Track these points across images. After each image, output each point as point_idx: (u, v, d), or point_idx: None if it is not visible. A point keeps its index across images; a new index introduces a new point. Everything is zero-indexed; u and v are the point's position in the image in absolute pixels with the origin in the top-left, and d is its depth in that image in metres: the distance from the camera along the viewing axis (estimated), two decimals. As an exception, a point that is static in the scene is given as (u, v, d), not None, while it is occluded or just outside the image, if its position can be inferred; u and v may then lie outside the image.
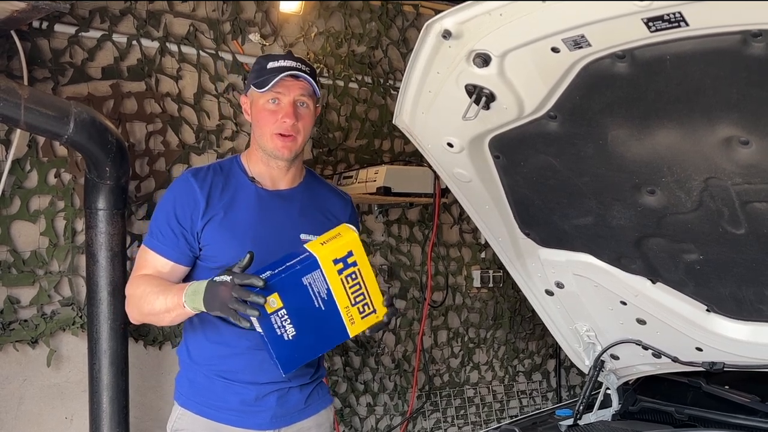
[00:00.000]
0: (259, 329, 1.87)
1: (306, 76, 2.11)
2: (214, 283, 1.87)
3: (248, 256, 1.86)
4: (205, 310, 1.90)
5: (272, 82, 2.08)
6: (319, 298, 1.91)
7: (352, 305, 1.95)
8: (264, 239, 2.12)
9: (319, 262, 1.89)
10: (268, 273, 1.87)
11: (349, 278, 1.93)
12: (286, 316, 1.87)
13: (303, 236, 2.14)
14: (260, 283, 1.80)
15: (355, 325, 1.97)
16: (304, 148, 2.23)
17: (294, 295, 1.87)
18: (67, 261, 3.37)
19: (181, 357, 2.25)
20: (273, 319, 1.86)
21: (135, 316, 2.14)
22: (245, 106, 2.23)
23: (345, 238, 1.94)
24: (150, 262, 2.13)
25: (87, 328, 3.26)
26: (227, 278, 1.84)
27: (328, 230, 2.07)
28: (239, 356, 2.13)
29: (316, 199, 2.28)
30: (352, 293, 1.94)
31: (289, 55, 2.17)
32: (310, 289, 1.89)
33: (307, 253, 1.90)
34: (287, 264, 1.89)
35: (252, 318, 1.84)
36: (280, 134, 2.12)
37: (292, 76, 2.10)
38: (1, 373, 3.24)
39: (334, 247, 1.92)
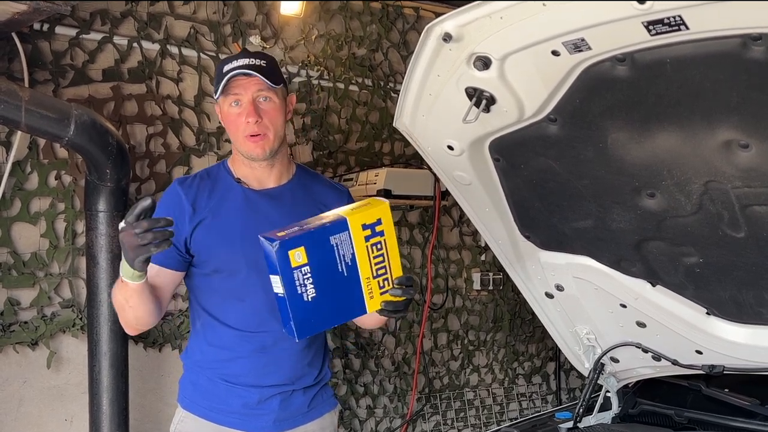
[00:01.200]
0: (280, 290, 1.81)
1: (254, 72, 2.03)
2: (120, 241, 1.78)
3: (149, 200, 1.72)
4: (132, 271, 1.81)
5: (222, 84, 2.04)
6: (343, 263, 1.85)
7: (374, 277, 1.90)
8: (252, 238, 2.08)
9: (349, 224, 1.84)
10: (295, 227, 1.83)
11: (374, 247, 1.88)
12: (309, 274, 1.81)
13: None
14: (148, 203, 1.69)
15: (374, 300, 1.91)
16: (284, 144, 2.18)
17: (320, 254, 1.82)
18: (68, 263, 3.37)
19: (184, 362, 2.25)
20: (296, 275, 1.80)
21: (122, 323, 2.09)
22: (219, 114, 2.18)
23: (375, 207, 1.90)
24: None
25: (87, 330, 3.27)
26: (122, 224, 1.74)
27: None
28: (242, 359, 2.13)
29: (309, 193, 2.24)
30: (375, 264, 1.89)
31: (243, 54, 2.11)
32: (336, 251, 1.84)
33: (335, 214, 1.87)
34: (318, 221, 1.86)
35: (275, 277, 1.79)
36: (250, 135, 2.07)
37: (243, 74, 2.04)
38: (1, 374, 3.24)
39: (364, 213, 1.87)
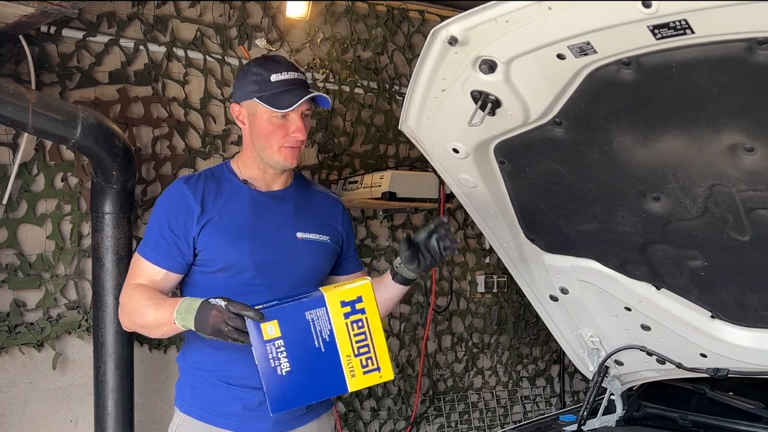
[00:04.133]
0: (256, 361, 1.84)
1: (314, 91, 2.09)
2: (208, 305, 1.85)
3: (258, 315, 1.82)
4: (191, 329, 1.89)
5: (295, 105, 2.04)
6: (320, 338, 1.86)
7: (355, 356, 1.89)
8: (260, 239, 2.12)
9: (326, 300, 1.87)
10: (274, 302, 1.86)
11: (354, 325, 1.89)
12: (282, 348, 1.83)
13: (299, 234, 2.17)
14: (253, 315, 1.79)
15: (356, 379, 1.90)
16: None
17: (294, 328, 1.84)
18: (74, 264, 3.38)
19: (180, 364, 2.25)
20: (268, 348, 1.82)
21: (127, 324, 2.14)
22: (239, 114, 2.16)
23: (358, 285, 1.91)
24: (143, 270, 2.12)
25: (93, 332, 3.28)
26: (222, 303, 1.83)
27: (322, 229, 2.18)
28: (242, 361, 2.11)
29: (307, 198, 2.27)
30: (357, 342, 1.89)
31: (286, 64, 2.14)
32: (312, 326, 1.86)
33: (317, 290, 1.90)
34: (296, 297, 1.89)
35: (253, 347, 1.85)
36: (290, 147, 2.11)
37: (300, 89, 2.07)
38: (6, 375, 3.25)
39: (343, 290, 1.90)
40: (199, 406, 2.16)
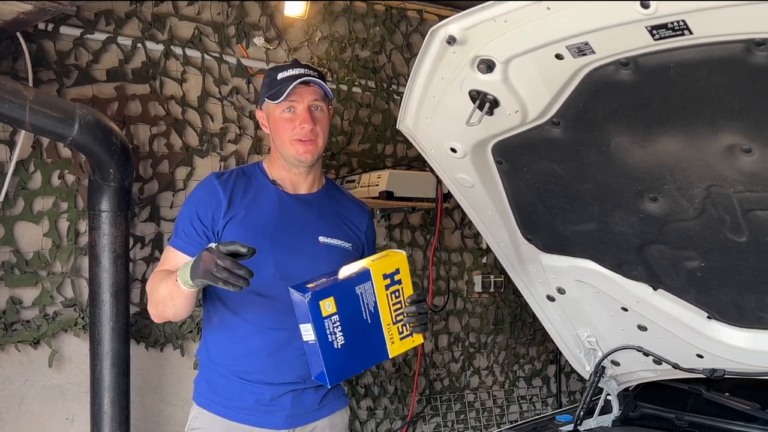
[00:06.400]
0: (312, 338, 1.92)
1: (317, 80, 2.16)
2: (201, 252, 1.88)
3: (248, 249, 1.83)
4: (191, 282, 1.90)
5: (286, 92, 2.12)
6: (367, 310, 1.98)
7: (393, 323, 2.02)
8: (282, 238, 2.16)
9: (372, 274, 1.98)
10: (322, 279, 1.94)
11: (393, 295, 2.01)
12: (338, 323, 1.93)
13: (321, 239, 2.21)
14: (245, 250, 1.82)
15: (395, 346, 2.04)
16: (323, 154, 2.27)
17: (347, 303, 1.94)
18: (70, 262, 3.38)
19: (201, 358, 2.28)
20: (326, 324, 1.91)
21: (152, 310, 2.16)
22: (262, 120, 2.27)
23: (394, 257, 2.03)
24: (171, 259, 2.16)
25: (89, 330, 3.28)
26: (213, 245, 1.85)
27: (345, 235, 2.23)
28: (257, 356, 2.17)
29: (334, 204, 2.32)
30: (395, 311, 2.02)
31: (296, 63, 2.22)
32: (361, 299, 1.97)
33: (360, 265, 2.00)
34: (335, 272, 1.98)
35: (307, 326, 1.91)
36: (299, 140, 2.16)
37: (303, 83, 2.14)
38: (2, 373, 3.25)
39: (384, 263, 2.01)
40: (214, 400, 2.20)
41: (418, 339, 2.07)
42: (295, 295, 1.92)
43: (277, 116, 2.18)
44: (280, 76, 2.16)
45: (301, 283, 1.94)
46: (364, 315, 1.97)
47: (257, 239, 2.10)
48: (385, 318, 2.01)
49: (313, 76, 2.16)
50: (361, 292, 1.96)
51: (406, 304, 2.03)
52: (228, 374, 2.18)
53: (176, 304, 2.04)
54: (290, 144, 2.17)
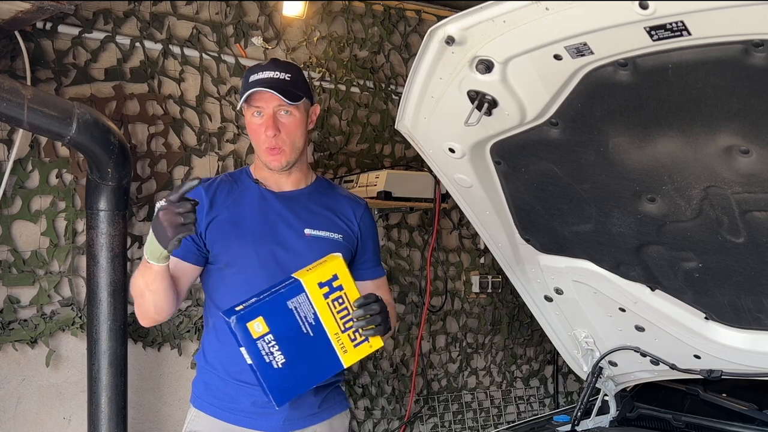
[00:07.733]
0: (249, 360, 1.85)
1: (273, 91, 2.05)
2: (155, 218, 1.82)
3: (196, 181, 1.79)
4: (161, 251, 1.85)
5: (249, 96, 2.08)
6: (306, 324, 1.89)
7: (342, 332, 1.92)
8: (264, 234, 2.14)
9: (304, 285, 1.88)
10: (253, 299, 1.87)
11: (336, 303, 1.91)
12: (273, 342, 1.85)
13: (307, 231, 2.17)
14: (195, 183, 1.77)
15: (348, 354, 1.94)
16: (303, 153, 2.21)
17: (280, 320, 1.86)
18: (68, 261, 3.37)
19: (198, 362, 2.27)
20: (260, 345, 1.85)
21: (137, 312, 2.12)
22: (244, 120, 2.23)
23: (329, 263, 1.93)
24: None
25: (86, 329, 3.27)
26: (162, 203, 1.80)
27: (335, 227, 2.15)
28: None
29: (324, 199, 2.27)
30: (341, 318, 1.92)
31: (269, 65, 2.14)
32: (296, 314, 1.88)
33: (292, 278, 1.91)
34: (272, 289, 1.89)
35: (242, 349, 1.85)
36: (268, 148, 2.12)
37: (265, 90, 2.07)
38: (-1, 372, 3.25)
39: (318, 271, 1.91)
40: (211, 402, 2.19)
41: (376, 343, 1.96)
42: (224, 320, 1.85)
43: (248, 119, 2.14)
44: (253, 77, 2.10)
45: (230, 307, 1.86)
46: (303, 329, 1.88)
47: (238, 236, 2.12)
48: (330, 328, 1.91)
49: (279, 81, 2.08)
50: (294, 306, 1.87)
51: (354, 308, 1.93)
52: (224, 376, 2.16)
53: (153, 290, 1.98)
54: (263, 151, 2.14)
